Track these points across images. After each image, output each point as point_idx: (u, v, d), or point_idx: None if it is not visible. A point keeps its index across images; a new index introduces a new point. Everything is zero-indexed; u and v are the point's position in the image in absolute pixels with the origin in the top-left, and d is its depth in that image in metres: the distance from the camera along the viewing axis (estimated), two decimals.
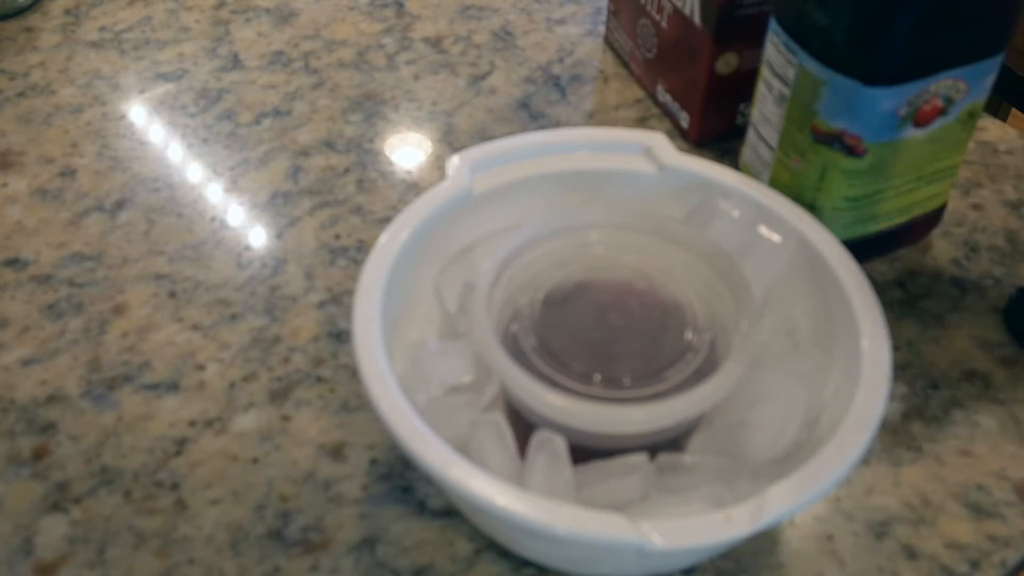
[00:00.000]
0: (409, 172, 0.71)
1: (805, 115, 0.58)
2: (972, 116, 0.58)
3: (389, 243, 0.52)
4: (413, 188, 0.70)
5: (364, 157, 0.72)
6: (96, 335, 0.60)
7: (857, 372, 0.47)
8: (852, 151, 0.57)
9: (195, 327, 0.61)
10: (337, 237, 0.66)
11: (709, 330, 0.50)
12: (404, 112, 0.76)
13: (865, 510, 0.53)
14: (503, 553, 0.50)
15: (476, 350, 0.49)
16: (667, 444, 0.49)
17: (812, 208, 0.61)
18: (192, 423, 0.56)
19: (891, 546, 0.51)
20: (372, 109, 0.76)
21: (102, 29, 0.83)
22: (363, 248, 0.65)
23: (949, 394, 0.58)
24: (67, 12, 0.85)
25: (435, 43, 0.83)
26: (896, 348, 0.59)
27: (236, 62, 0.80)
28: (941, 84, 0.55)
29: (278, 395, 0.57)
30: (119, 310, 0.62)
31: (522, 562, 0.50)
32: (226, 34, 0.83)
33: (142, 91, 0.78)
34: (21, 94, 0.77)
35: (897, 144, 0.57)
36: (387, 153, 0.73)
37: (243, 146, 0.73)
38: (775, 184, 0.62)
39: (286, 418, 0.56)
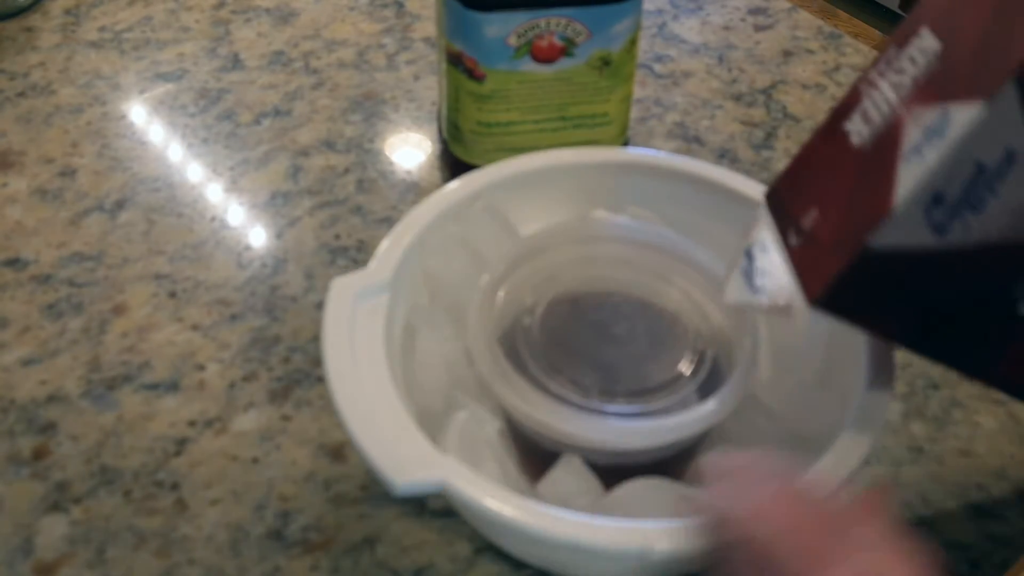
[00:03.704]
0: (409, 172, 0.71)
1: (441, 37, 0.63)
2: (607, 64, 0.61)
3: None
4: (413, 188, 0.70)
5: (364, 157, 0.72)
6: (96, 335, 0.60)
7: (859, 377, 0.47)
8: (472, 74, 0.61)
9: (195, 327, 0.61)
10: (337, 237, 0.66)
11: (711, 346, 0.49)
12: (404, 112, 0.76)
13: None
14: (503, 553, 0.50)
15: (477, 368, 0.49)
16: (674, 458, 0.49)
17: (456, 130, 0.65)
18: (192, 423, 0.56)
19: None
20: (372, 109, 0.76)
21: (102, 29, 0.83)
22: (363, 248, 0.65)
23: (949, 394, 0.58)
24: (67, 12, 0.85)
25: (435, 43, 0.83)
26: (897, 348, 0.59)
27: (236, 62, 0.80)
28: (552, 21, 0.58)
29: (278, 395, 0.57)
30: (119, 310, 0.62)
31: (522, 562, 0.50)
32: (226, 34, 0.83)
33: (142, 91, 0.78)
34: (21, 94, 0.77)
35: (518, 75, 0.61)
36: (387, 153, 0.73)
37: (243, 146, 0.73)
38: (450, 105, 0.66)
39: (286, 418, 0.56)
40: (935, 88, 0.39)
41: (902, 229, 0.38)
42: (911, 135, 0.38)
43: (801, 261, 0.42)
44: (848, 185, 0.41)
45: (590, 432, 0.45)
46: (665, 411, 0.46)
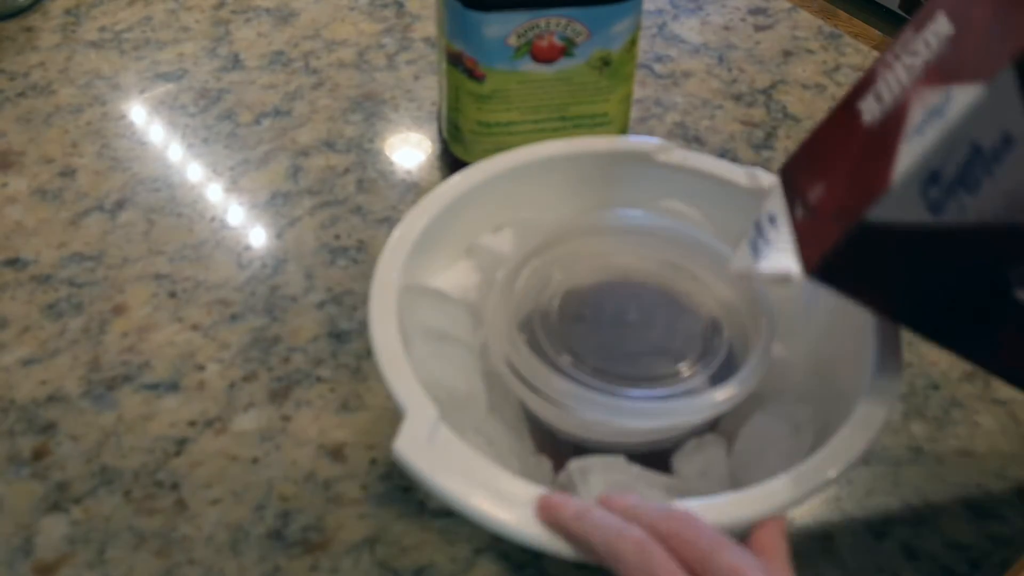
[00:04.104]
0: (409, 172, 0.71)
1: (441, 37, 0.63)
2: (607, 64, 0.62)
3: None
4: (413, 188, 0.70)
5: (364, 157, 0.72)
6: (96, 335, 0.60)
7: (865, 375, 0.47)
8: (472, 74, 0.61)
9: (195, 327, 0.61)
10: (337, 237, 0.66)
11: (727, 331, 0.50)
12: (404, 112, 0.76)
13: (865, 510, 0.53)
14: (503, 553, 0.50)
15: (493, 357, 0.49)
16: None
17: (456, 130, 0.66)
18: (192, 423, 0.56)
19: (891, 546, 0.51)
20: (372, 109, 0.76)
21: (102, 29, 0.83)
22: (363, 248, 0.65)
23: (949, 394, 0.58)
24: (67, 12, 0.85)
25: (435, 43, 0.83)
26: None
27: (236, 62, 0.80)
28: (552, 21, 0.58)
29: (278, 395, 0.57)
30: (119, 310, 0.62)
31: (522, 562, 0.50)
32: (226, 34, 0.83)
33: (142, 91, 0.78)
34: (21, 94, 0.77)
35: (518, 75, 0.61)
36: (387, 153, 0.73)
37: (243, 146, 0.73)
38: (450, 105, 0.66)
39: (286, 418, 0.56)
40: (943, 70, 0.39)
41: (898, 204, 0.39)
42: (915, 115, 0.39)
43: (804, 233, 0.43)
44: (854, 161, 0.42)
45: (617, 417, 0.46)
46: (688, 393, 0.47)
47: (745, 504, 0.42)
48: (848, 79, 0.79)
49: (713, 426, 0.50)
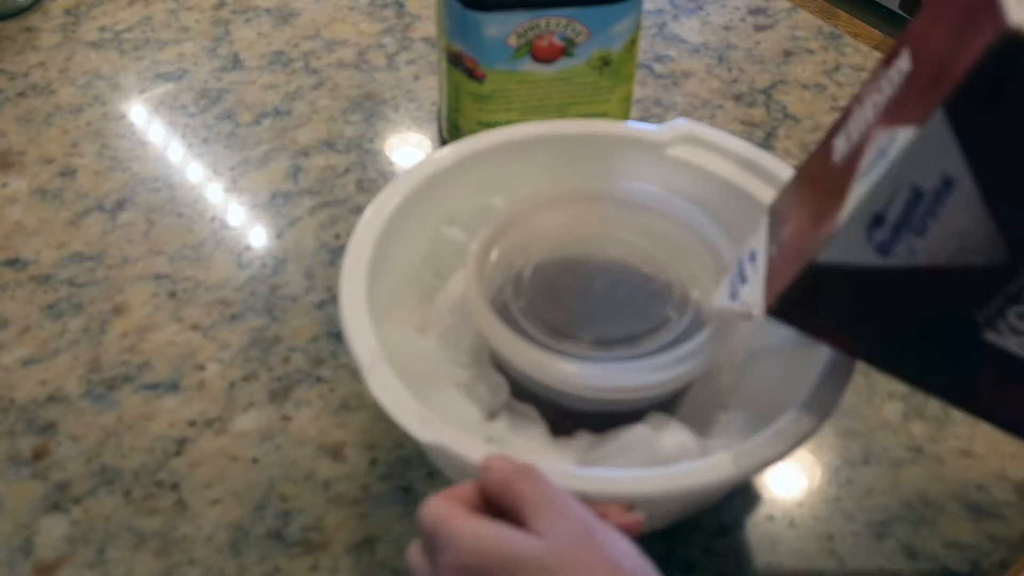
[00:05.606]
0: None
1: (441, 37, 0.63)
2: (607, 64, 0.62)
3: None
4: None
5: (364, 157, 0.72)
6: (96, 335, 0.60)
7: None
8: (472, 74, 0.62)
9: (195, 327, 0.61)
10: (337, 237, 0.66)
11: (695, 304, 0.51)
12: (404, 112, 0.76)
13: (865, 510, 0.53)
14: None
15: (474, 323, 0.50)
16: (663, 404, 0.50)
17: (456, 130, 0.66)
18: (192, 423, 0.56)
19: (891, 546, 0.51)
20: (372, 109, 0.76)
21: (102, 29, 0.83)
22: None
23: None
24: (67, 12, 0.85)
25: (435, 43, 0.83)
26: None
27: (236, 62, 0.80)
28: (552, 21, 0.59)
29: (278, 395, 0.57)
30: (119, 310, 0.62)
31: None
32: (226, 34, 0.83)
33: (142, 91, 0.78)
34: (21, 94, 0.77)
35: (518, 75, 0.62)
36: (387, 153, 0.73)
37: (243, 146, 0.73)
38: (450, 105, 0.66)
39: (286, 418, 0.56)
40: (895, 110, 0.39)
41: (845, 247, 0.38)
42: (868, 155, 0.39)
43: (771, 271, 0.43)
44: (818, 199, 0.42)
45: (574, 377, 0.47)
46: (651, 354, 0.48)
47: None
48: (848, 79, 0.79)
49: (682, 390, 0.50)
